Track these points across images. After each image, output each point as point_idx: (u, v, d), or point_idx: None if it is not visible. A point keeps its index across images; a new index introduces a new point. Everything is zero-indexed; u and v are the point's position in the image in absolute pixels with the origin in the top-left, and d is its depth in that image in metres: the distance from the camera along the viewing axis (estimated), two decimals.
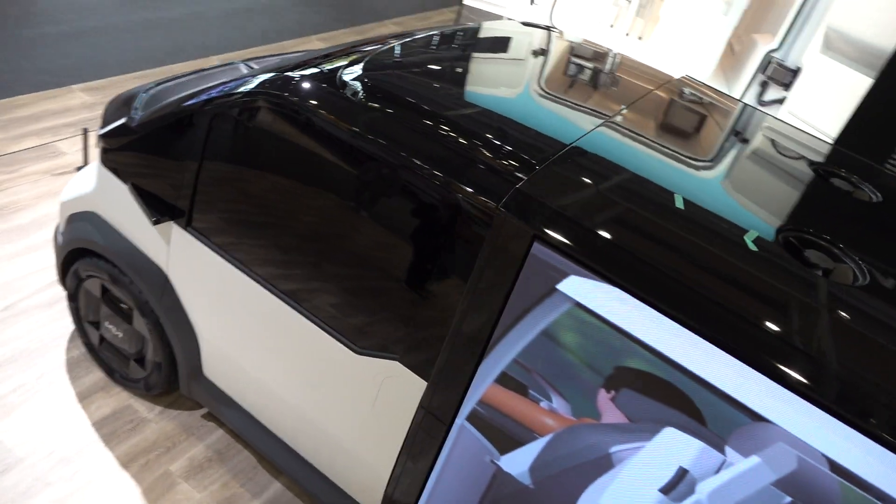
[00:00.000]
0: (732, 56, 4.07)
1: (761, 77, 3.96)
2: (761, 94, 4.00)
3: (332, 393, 1.87)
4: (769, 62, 3.91)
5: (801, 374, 1.18)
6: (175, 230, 2.00)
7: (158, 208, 1.98)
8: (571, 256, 1.34)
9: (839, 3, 3.70)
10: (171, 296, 2.10)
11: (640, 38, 4.29)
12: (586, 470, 1.49)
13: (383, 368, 1.73)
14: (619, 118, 1.80)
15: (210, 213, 1.91)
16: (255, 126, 1.76)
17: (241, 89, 1.79)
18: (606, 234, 1.34)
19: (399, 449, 1.77)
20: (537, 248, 1.37)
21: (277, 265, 1.83)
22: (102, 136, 2.11)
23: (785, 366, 1.19)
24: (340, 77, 1.77)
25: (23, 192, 3.18)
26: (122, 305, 2.26)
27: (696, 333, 1.26)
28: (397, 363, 1.70)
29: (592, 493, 1.49)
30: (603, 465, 1.46)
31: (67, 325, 2.61)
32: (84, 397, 2.38)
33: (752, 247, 1.44)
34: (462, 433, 1.65)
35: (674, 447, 1.36)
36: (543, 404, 1.49)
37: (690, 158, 1.75)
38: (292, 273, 1.81)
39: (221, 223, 1.90)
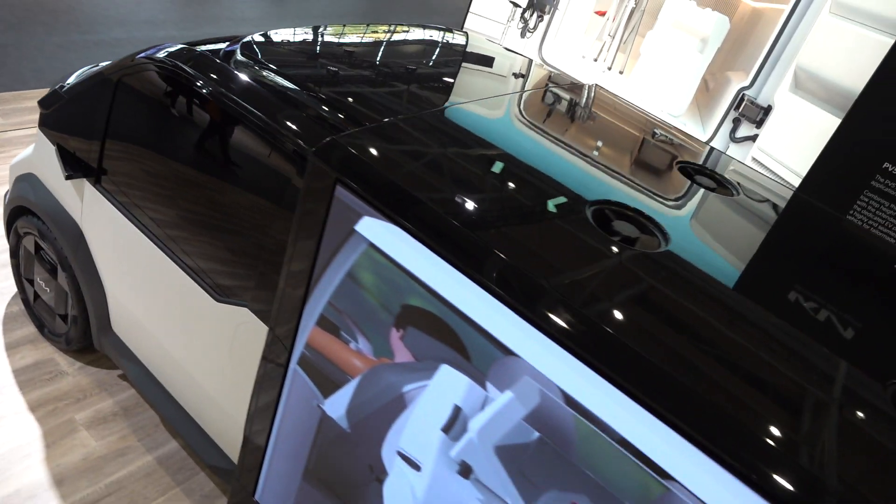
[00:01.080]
0: (707, 93, 4.13)
1: (734, 114, 4.00)
2: (733, 130, 4.04)
3: (200, 341, 1.98)
4: (742, 99, 3.95)
5: (550, 314, 1.24)
6: (87, 187, 2.18)
7: (74, 166, 2.17)
8: (363, 197, 1.44)
9: (809, 43, 3.74)
10: (84, 251, 2.27)
11: (620, 73, 4.40)
12: (388, 411, 1.55)
13: (236, 315, 1.84)
14: (474, 104, 1.91)
15: (113, 171, 2.09)
16: (146, 89, 1.94)
17: (139, 56, 1.98)
18: (396, 179, 1.44)
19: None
20: (339, 192, 1.48)
21: (161, 219, 1.98)
22: (39, 102, 2.33)
23: (531, 304, 1.25)
24: (229, 49, 1.94)
25: (3, 169, 3.46)
26: (50, 261, 2.45)
27: (463, 273, 1.33)
28: (247, 310, 1.81)
29: (394, 435, 1.56)
30: (399, 406, 1.52)
31: (12, 283, 2.82)
32: (11, 347, 2.56)
33: (549, 208, 1.51)
34: (295, 378, 1.74)
35: (449, 385, 1.42)
36: (352, 345, 1.58)
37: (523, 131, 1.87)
38: (172, 226, 1.95)
39: (121, 180, 2.07)
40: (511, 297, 1.27)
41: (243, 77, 1.79)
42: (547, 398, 1.27)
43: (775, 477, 1.03)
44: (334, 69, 2.02)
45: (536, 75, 2.39)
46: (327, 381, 1.66)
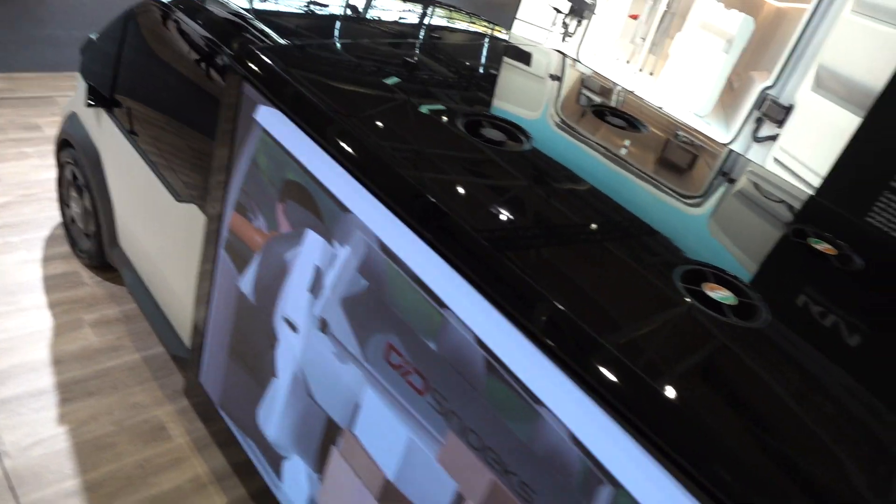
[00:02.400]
0: (732, 93, 4.14)
1: (757, 114, 4.00)
2: (756, 130, 4.03)
3: (166, 239, 2.31)
4: (764, 99, 3.95)
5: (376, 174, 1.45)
6: (103, 117, 2.60)
7: (94, 97, 2.59)
8: (258, 88, 1.71)
9: (831, 42, 3.71)
10: (100, 174, 2.68)
11: (651, 74, 4.49)
12: (277, 280, 1.80)
13: (189, 213, 2.15)
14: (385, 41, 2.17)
15: (120, 100, 2.49)
16: (145, 28, 2.33)
17: None
18: (283, 72, 1.69)
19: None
20: (245, 88, 1.76)
21: (146, 138, 2.34)
22: (80, 50, 2.79)
23: (359, 164, 1.47)
24: None
25: None
26: (80, 186, 2.89)
27: (317, 143, 1.56)
28: (196, 207, 2.12)
29: (281, 302, 1.79)
30: (284, 273, 1.76)
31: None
32: (47, 259, 3.01)
33: (423, 111, 1.72)
34: (222, 262, 2.02)
35: (312, 248, 1.65)
36: (255, 223, 1.84)
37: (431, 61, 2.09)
38: (152, 143, 2.31)
39: (123, 107, 2.46)
40: (345, 159, 1.49)
41: (212, 15, 2.13)
42: (372, 250, 1.47)
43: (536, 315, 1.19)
44: (289, 10, 2.33)
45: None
46: (242, 261, 1.92)
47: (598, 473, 1.11)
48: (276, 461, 1.98)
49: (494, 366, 1.24)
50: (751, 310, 1.31)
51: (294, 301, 1.73)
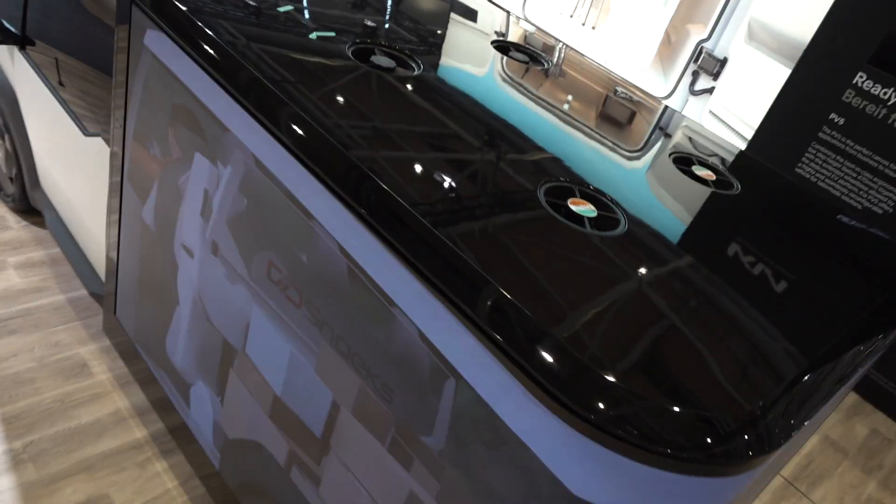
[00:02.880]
0: (669, 46, 4.19)
1: (693, 67, 4.06)
2: (692, 83, 4.09)
3: (78, 175, 2.32)
4: (700, 52, 4.01)
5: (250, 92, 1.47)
6: (17, 55, 2.57)
7: (5, 35, 2.55)
8: (145, 12, 1.71)
9: None
10: (18, 114, 2.66)
11: (593, 28, 4.52)
12: (174, 206, 1.82)
13: (97, 147, 2.16)
14: None
15: (31, 36, 2.46)
16: None
17: None
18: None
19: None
20: (134, 12, 1.77)
21: (55, 73, 2.33)
22: None
23: (235, 83, 1.49)
24: None
25: None
26: (1, 128, 2.86)
27: (197, 64, 1.57)
28: (101, 140, 2.13)
29: (180, 228, 1.82)
30: (179, 199, 1.79)
31: None
32: None
33: (310, 36, 1.74)
34: (126, 193, 2.04)
35: (200, 172, 1.67)
36: (152, 151, 1.86)
37: None
38: (61, 77, 2.30)
39: (35, 44, 2.44)
40: (222, 78, 1.51)
41: None
42: (249, 167, 1.51)
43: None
44: None
45: None
46: (143, 191, 1.94)
47: (444, 369, 1.17)
48: (184, 389, 2.03)
49: (356, 272, 1.29)
50: (610, 221, 1.37)
51: (189, 226, 1.76)
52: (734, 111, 3.93)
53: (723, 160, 1.93)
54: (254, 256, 1.55)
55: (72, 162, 2.37)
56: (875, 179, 3.49)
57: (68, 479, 2.12)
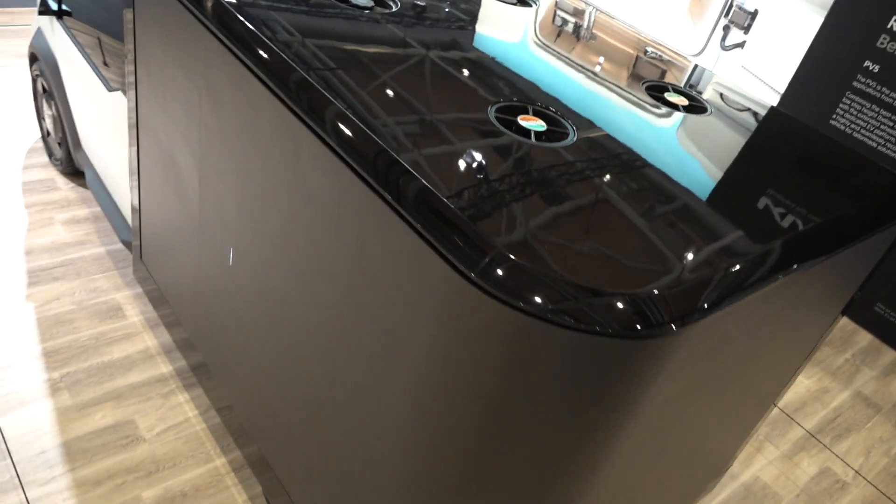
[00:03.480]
0: (699, 2, 4.12)
1: (724, 21, 3.98)
2: (724, 38, 4.01)
3: (107, 130, 2.51)
4: (731, 5, 3.93)
5: None
6: (56, 25, 2.79)
7: (45, 7, 2.78)
8: None
9: None
10: (60, 80, 2.89)
11: None
12: (175, 140, 1.97)
13: (119, 100, 2.34)
14: None
15: (67, 7, 2.67)
16: None
17: None
18: None
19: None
20: None
21: (85, 37, 2.53)
22: None
23: None
24: None
25: None
26: (49, 96, 3.11)
27: None
28: (121, 94, 2.31)
29: (182, 161, 1.97)
30: (178, 133, 1.93)
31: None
32: (26, 168, 3.26)
33: None
34: (142, 139, 2.20)
35: (189, 98, 1.81)
36: (158, 98, 2.01)
37: None
38: (89, 40, 2.49)
39: (71, 14, 2.65)
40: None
41: None
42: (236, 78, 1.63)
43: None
44: None
45: None
46: (154, 135, 2.10)
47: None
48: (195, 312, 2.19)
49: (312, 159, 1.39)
50: (555, 135, 1.43)
51: (186, 156, 1.90)
52: (767, 64, 3.84)
53: (722, 96, 1.93)
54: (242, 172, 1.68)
55: (101, 118, 2.57)
56: None
57: (99, 405, 2.32)
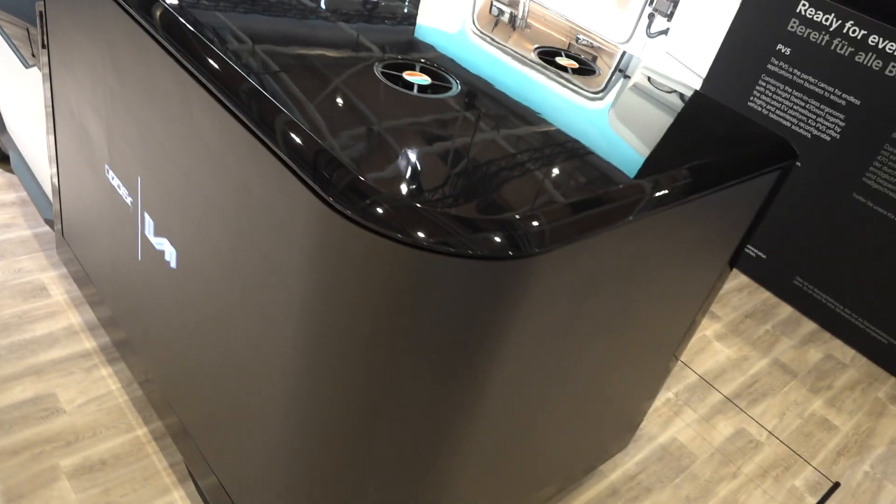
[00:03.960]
0: None
1: (649, 10, 4.12)
2: (648, 26, 4.16)
3: (27, 108, 2.53)
4: None
5: None
6: None
7: None
8: None
9: None
10: None
11: None
12: (86, 115, 2.00)
13: (37, 77, 2.36)
14: None
15: None
16: None
17: None
18: None
19: None
20: None
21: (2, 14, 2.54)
22: None
23: None
24: None
25: None
26: None
27: None
28: (37, 69, 2.33)
29: (95, 140, 2.00)
30: (89, 106, 1.97)
31: None
32: None
33: None
34: (57, 114, 2.22)
35: (94, 70, 1.85)
36: (71, 74, 2.04)
37: None
38: (4, 15, 2.50)
39: None
40: None
41: None
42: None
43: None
44: None
45: None
46: (69, 110, 2.13)
47: None
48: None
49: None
50: (439, 89, 1.50)
51: (98, 131, 1.94)
52: (689, 50, 4.00)
53: (618, 67, 2.03)
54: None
55: (21, 97, 2.58)
56: (822, 107, 3.53)
57: (18, 380, 2.33)
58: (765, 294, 3.92)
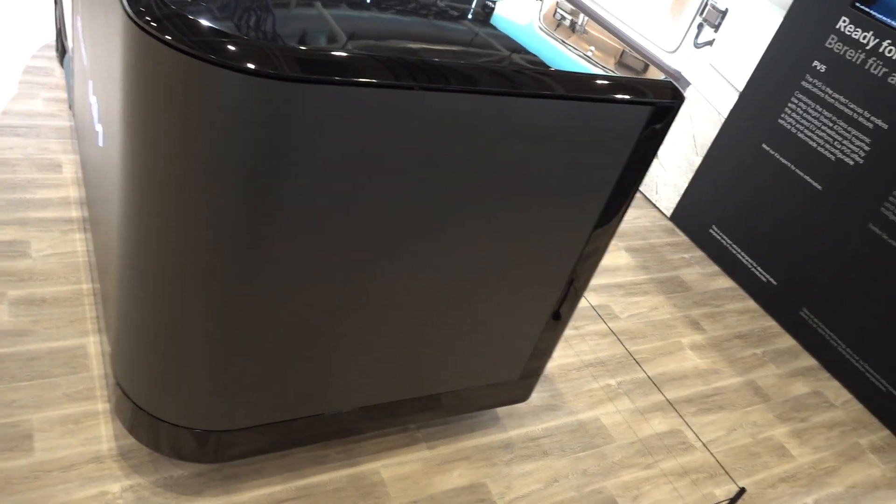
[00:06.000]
0: (679, 1, 4.22)
1: (699, 20, 4.08)
2: (696, 36, 4.11)
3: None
4: (706, 4, 4.03)
5: None
6: None
7: None
8: None
9: None
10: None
11: None
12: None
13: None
14: None
15: None
16: None
17: None
18: None
19: None
20: None
21: None
22: None
23: None
24: None
25: None
26: None
27: None
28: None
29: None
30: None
31: None
32: (34, 56, 3.79)
33: None
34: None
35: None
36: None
37: None
38: None
39: None
40: None
41: None
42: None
43: None
44: None
45: None
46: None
47: None
48: None
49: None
50: None
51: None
52: (732, 63, 3.91)
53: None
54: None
55: (73, 8, 3.01)
56: (849, 129, 3.35)
57: (4, 226, 2.71)
58: (768, 322, 3.70)
